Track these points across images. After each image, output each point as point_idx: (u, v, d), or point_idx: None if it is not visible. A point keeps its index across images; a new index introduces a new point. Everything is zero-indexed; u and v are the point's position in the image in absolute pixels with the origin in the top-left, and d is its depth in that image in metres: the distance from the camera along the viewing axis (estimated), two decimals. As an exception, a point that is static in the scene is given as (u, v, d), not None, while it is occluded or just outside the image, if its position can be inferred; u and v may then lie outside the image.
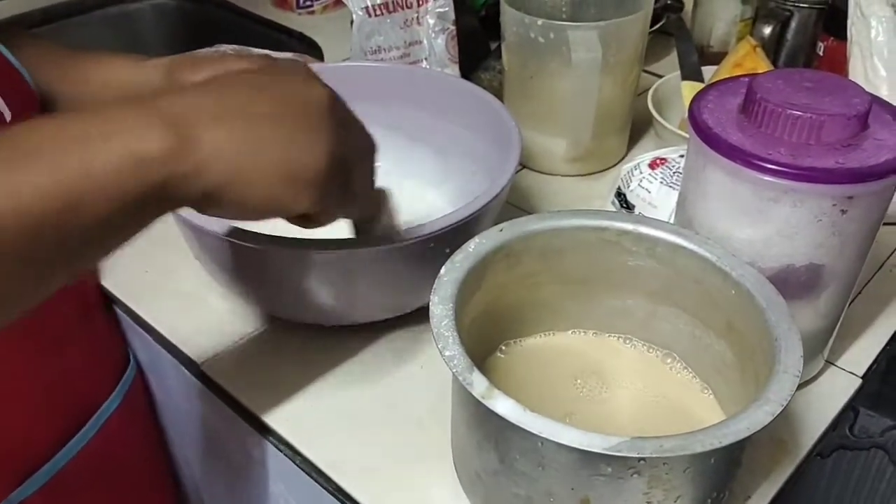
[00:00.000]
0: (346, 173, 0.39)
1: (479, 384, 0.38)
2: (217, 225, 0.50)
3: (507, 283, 0.50)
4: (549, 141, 0.74)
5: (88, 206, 0.31)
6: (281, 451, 0.52)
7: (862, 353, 0.57)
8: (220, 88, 0.36)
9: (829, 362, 0.56)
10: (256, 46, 1.15)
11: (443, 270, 0.45)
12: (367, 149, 0.43)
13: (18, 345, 0.54)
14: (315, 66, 0.67)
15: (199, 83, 0.37)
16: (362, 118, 0.43)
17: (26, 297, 0.32)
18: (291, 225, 0.41)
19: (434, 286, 0.44)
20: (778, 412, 0.37)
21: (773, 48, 0.80)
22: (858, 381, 0.55)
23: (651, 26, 0.92)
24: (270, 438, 0.52)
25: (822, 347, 0.53)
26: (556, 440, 0.36)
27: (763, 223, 0.46)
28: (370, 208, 0.49)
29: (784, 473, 0.49)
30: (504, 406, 0.37)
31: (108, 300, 0.63)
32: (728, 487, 0.43)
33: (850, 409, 0.54)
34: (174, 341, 0.58)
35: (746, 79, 0.50)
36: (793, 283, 0.48)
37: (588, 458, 0.37)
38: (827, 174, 0.43)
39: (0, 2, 1.13)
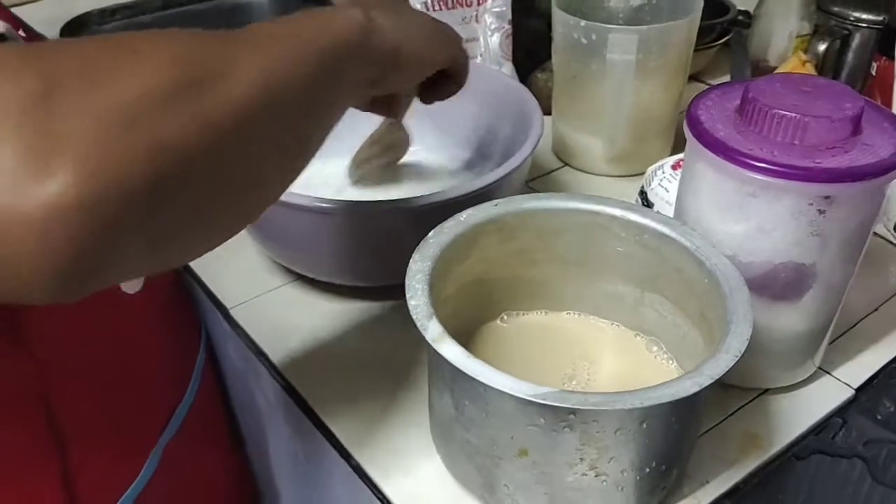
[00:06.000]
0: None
1: (432, 329, 0.42)
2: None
3: (501, 255, 0.53)
4: (588, 140, 0.76)
5: (339, 54, 0.38)
6: (284, 391, 0.57)
7: (862, 367, 0.57)
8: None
9: (824, 370, 0.56)
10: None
11: (430, 234, 0.49)
12: None
13: (150, 307, 0.59)
14: None
15: None
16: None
17: (285, 177, 0.37)
18: None
19: (418, 246, 0.48)
20: (705, 384, 0.39)
21: (832, 67, 0.80)
22: (850, 392, 0.55)
23: (718, 39, 0.93)
24: (278, 380, 0.57)
25: (811, 353, 0.54)
26: (490, 384, 0.39)
27: (744, 218, 0.48)
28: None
29: (749, 466, 0.50)
30: (450, 350, 0.41)
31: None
32: (675, 462, 0.45)
33: (841, 419, 0.54)
34: (210, 287, 0.64)
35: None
36: (777, 282, 0.49)
37: (523, 407, 0.40)
38: (801, 172, 0.44)
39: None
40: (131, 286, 0.54)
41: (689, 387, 0.39)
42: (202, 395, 0.66)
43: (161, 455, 0.59)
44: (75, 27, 1.16)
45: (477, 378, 0.39)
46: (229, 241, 0.69)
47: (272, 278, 0.65)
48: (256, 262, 0.67)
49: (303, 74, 0.35)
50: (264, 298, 0.64)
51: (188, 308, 0.69)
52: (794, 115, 0.46)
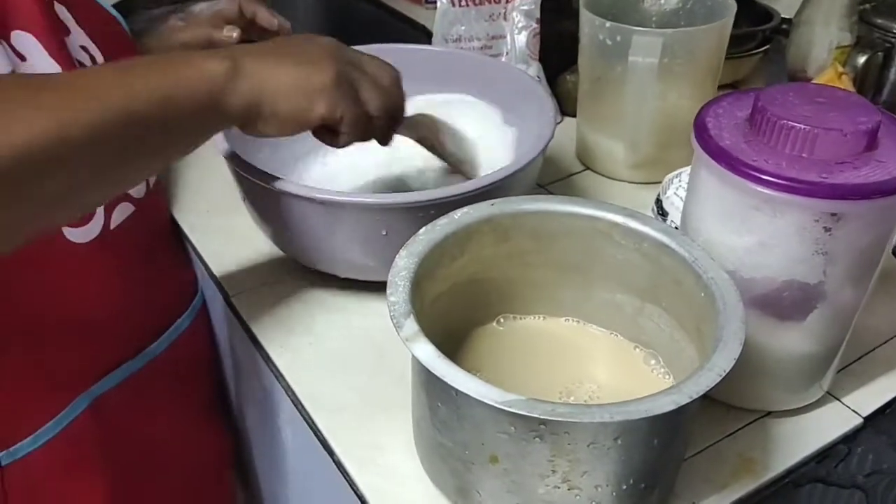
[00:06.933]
0: (351, 86, 0.51)
1: (408, 328, 0.41)
2: (253, 171, 0.56)
3: (496, 256, 0.52)
4: (610, 144, 0.74)
5: (176, 105, 0.44)
6: (279, 383, 0.57)
7: (874, 395, 0.54)
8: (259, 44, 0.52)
9: (834, 396, 0.54)
10: (385, 35, 1.23)
11: (421, 230, 0.48)
12: (374, 72, 0.54)
13: (105, 260, 0.60)
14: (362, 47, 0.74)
15: None
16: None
17: (116, 183, 0.45)
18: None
19: (407, 243, 0.47)
20: (683, 403, 0.37)
21: (874, 82, 0.76)
22: (858, 420, 0.52)
23: (760, 46, 0.90)
24: (273, 369, 0.57)
25: (818, 376, 0.51)
26: (458, 388, 0.38)
27: (746, 232, 0.46)
28: (389, 124, 0.56)
29: (740, 490, 0.48)
30: (422, 351, 0.40)
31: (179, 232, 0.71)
32: (657, 481, 0.43)
33: (846, 447, 0.52)
34: (215, 271, 0.65)
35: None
36: (781, 300, 0.47)
37: (493, 414, 0.39)
38: (805, 187, 0.42)
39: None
40: (80, 235, 0.55)
41: (665, 404, 0.37)
42: (171, 360, 0.67)
43: (92, 402, 0.60)
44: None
45: (445, 380, 0.38)
46: (240, 227, 0.70)
47: (276, 267, 0.65)
48: (263, 251, 0.67)
49: (116, 114, 0.40)
50: (267, 286, 0.63)
51: (170, 280, 0.70)
52: (803, 126, 0.44)
